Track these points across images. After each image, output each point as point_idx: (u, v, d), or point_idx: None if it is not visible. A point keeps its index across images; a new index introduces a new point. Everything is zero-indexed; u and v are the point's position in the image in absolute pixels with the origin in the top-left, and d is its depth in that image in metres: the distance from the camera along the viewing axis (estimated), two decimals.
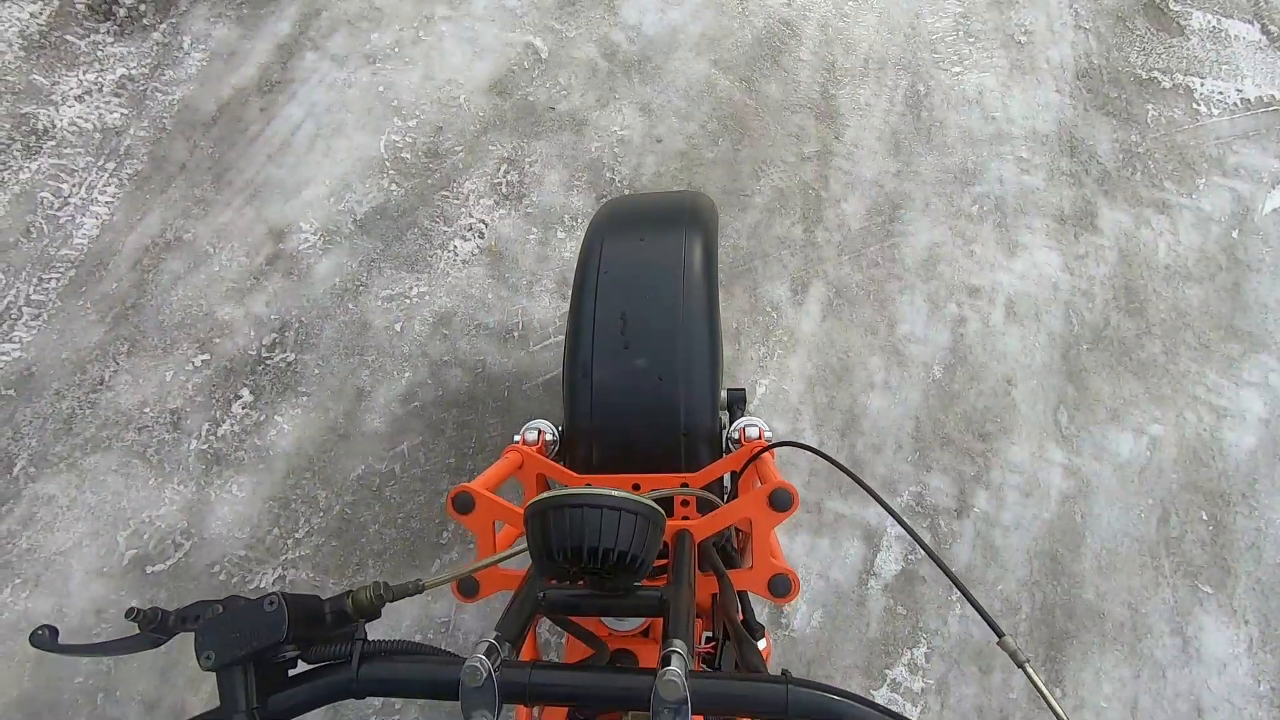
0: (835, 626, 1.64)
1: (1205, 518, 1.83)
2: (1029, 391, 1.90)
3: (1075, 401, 1.91)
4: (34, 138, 1.76)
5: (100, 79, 1.85)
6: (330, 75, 1.96)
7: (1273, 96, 2.39)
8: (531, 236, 1.85)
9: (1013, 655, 0.51)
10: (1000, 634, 0.52)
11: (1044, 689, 0.47)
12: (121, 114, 1.82)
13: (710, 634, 0.86)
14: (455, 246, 1.81)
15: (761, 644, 0.90)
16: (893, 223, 2.07)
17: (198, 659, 0.48)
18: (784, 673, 0.48)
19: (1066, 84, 2.33)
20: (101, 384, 1.56)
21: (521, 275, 1.80)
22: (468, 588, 0.72)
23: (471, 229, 1.83)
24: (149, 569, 1.46)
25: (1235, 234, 2.16)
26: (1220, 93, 2.37)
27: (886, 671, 1.61)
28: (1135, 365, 1.97)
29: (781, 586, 0.69)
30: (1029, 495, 1.80)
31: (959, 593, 1.58)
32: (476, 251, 1.81)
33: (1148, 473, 1.86)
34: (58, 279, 1.63)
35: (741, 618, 0.88)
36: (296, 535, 1.52)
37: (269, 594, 0.49)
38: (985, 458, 1.82)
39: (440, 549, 1.55)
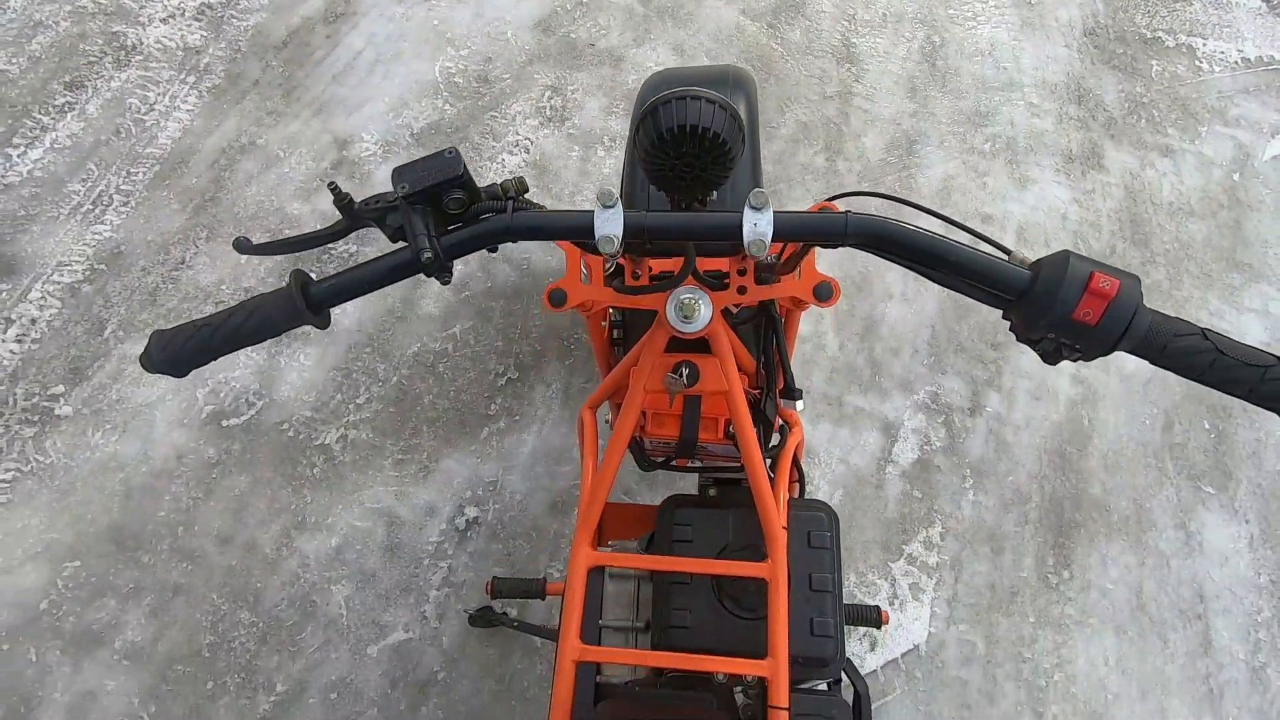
0: (855, 505, 1.74)
1: (1208, 427, 1.93)
2: None
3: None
4: (123, 53, 1.92)
5: (182, 5, 2.02)
6: (389, 10, 2.13)
7: (1272, 57, 2.52)
8: (574, 154, 2.00)
9: (1020, 263, 0.63)
10: (1008, 250, 0.64)
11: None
12: (201, 36, 1.99)
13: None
14: (503, 159, 1.95)
15: (800, 404, 1.03)
16: (909, 156, 2.21)
17: (394, 188, 0.61)
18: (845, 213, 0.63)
19: (1074, 40, 2.47)
20: (182, 264, 1.71)
21: (564, 186, 1.95)
22: (556, 298, 0.84)
23: (518, 145, 1.98)
24: (224, 423, 1.59)
25: (1236, 177, 2.28)
26: (1222, 52, 2.50)
27: (904, 547, 1.71)
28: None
29: (824, 291, 0.81)
30: (1038, 399, 1.90)
31: (972, 483, 1.66)
32: (522, 165, 1.95)
33: (1152, 385, 1.96)
34: (144, 173, 1.78)
35: (782, 383, 1.01)
36: (357, 401, 1.65)
37: (447, 146, 0.63)
38: (997, 364, 1.93)
39: (489, 419, 1.67)
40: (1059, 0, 2.55)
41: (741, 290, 0.80)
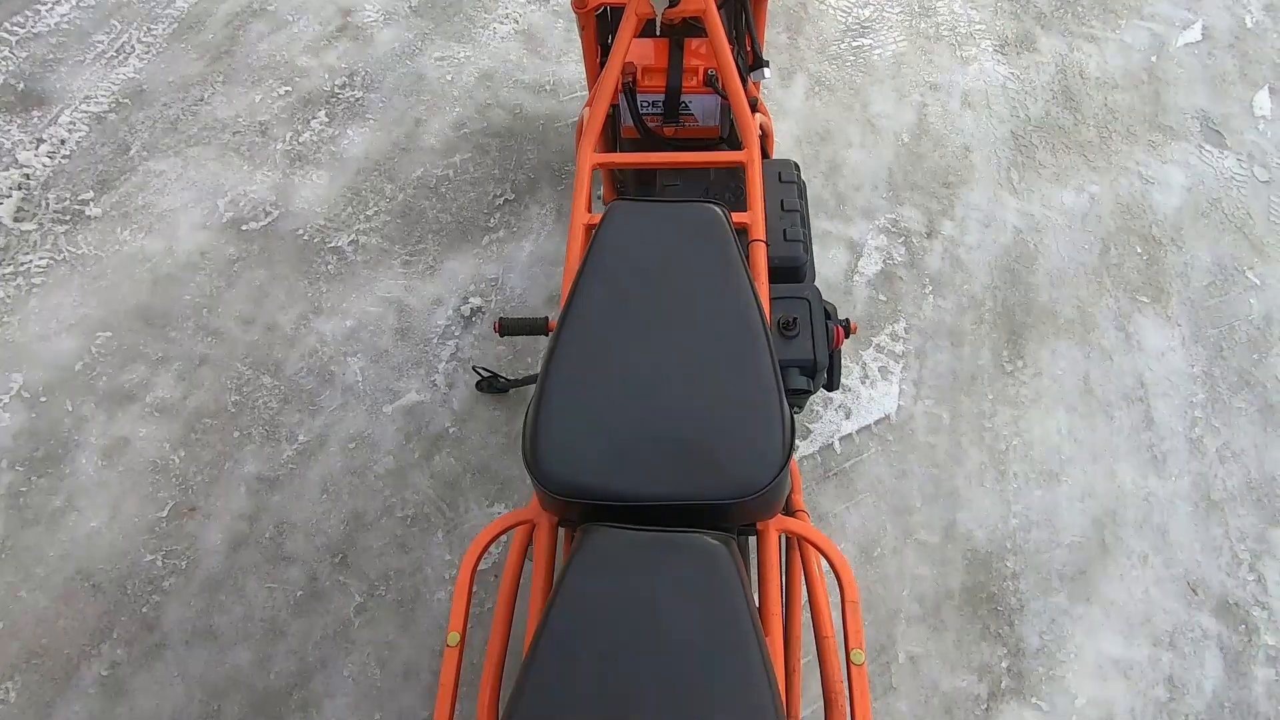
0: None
1: (1140, 251, 2.14)
2: (984, 157, 2.23)
3: (1024, 165, 2.23)
4: None
5: None
6: None
7: None
8: (558, 25, 2.19)
9: None
10: None
11: None
12: None
13: None
14: (494, 28, 2.14)
15: (767, 73, 1.20)
16: (862, 38, 2.44)
17: None
18: None
19: None
20: (201, 100, 1.85)
21: (550, 50, 2.13)
22: None
23: (508, 17, 2.17)
24: (243, 227, 1.72)
25: (1154, 59, 2.54)
26: None
27: (872, 338, 1.87)
28: (1073, 144, 2.31)
29: None
30: (988, 227, 2.10)
31: (931, 291, 1.85)
32: (512, 33, 2.14)
33: (1089, 218, 2.17)
34: (163, 29, 1.94)
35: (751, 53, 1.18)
36: (367, 213, 1.79)
37: None
38: (949, 199, 2.13)
39: (489, 230, 1.82)
40: None
41: None
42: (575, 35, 2.20)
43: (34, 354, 1.52)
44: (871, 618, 1.55)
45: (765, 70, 1.17)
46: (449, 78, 2.03)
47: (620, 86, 1.07)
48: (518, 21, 2.18)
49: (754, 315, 0.80)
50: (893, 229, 2.06)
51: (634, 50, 1.08)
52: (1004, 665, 1.54)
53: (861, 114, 2.26)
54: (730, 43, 1.15)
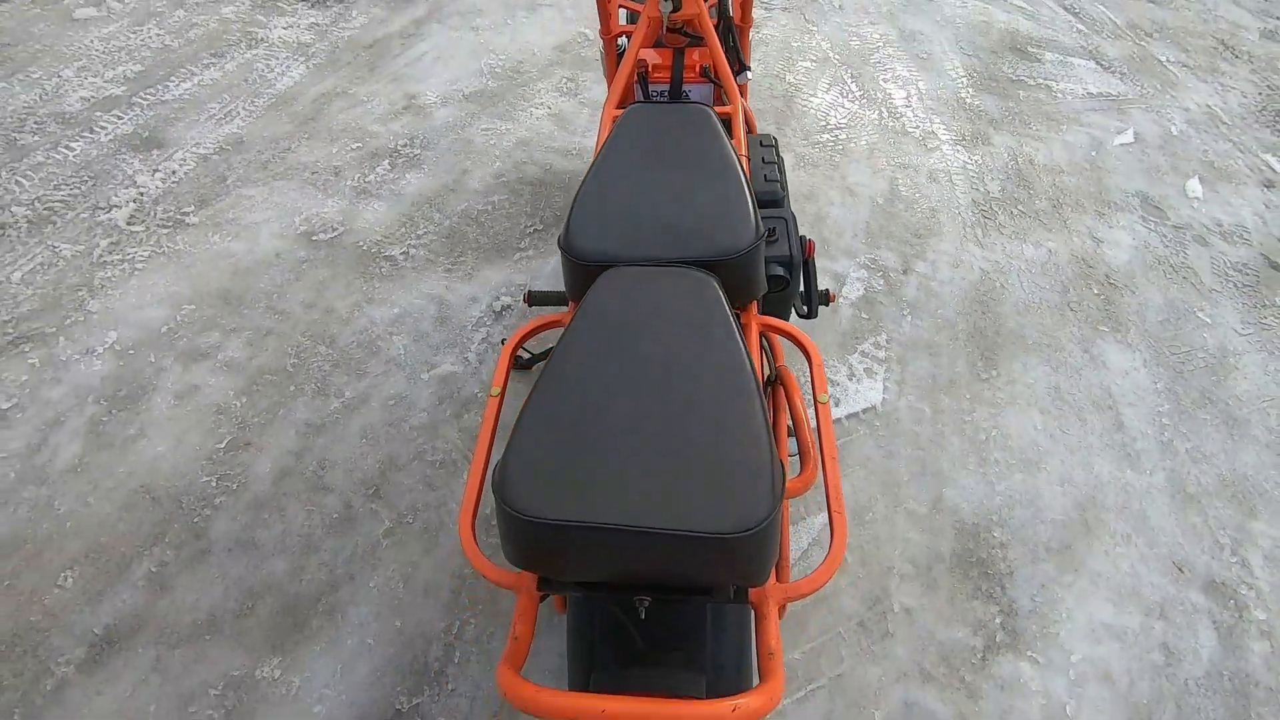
0: (813, 325, 2.14)
1: (1097, 293, 2.41)
2: (950, 217, 2.57)
3: (986, 225, 2.57)
4: (253, 40, 2.61)
5: (297, 22, 2.76)
6: (448, 33, 2.89)
7: (1106, 93, 3.35)
8: (584, 112, 2.64)
9: None
10: None
11: None
12: (310, 37, 2.71)
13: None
14: (531, 111, 2.59)
15: (749, 75, 1.53)
16: (840, 132, 2.88)
17: None
18: None
19: (960, 78, 3.30)
20: (288, 149, 2.24)
21: (577, 127, 2.56)
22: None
23: (543, 104, 2.63)
24: (313, 238, 2.02)
25: (1094, 154, 2.97)
26: (1071, 89, 3.33)
27: (857, 346, 2.09)
28: (1029, 212, 2.66)
29: None
30: (957, 267, 2.39)
31: (909, 314, 2.13)
32: (546, 115, 2.58)
33: (1048, 266, 2.46)
34: (263, 102, 2.38)
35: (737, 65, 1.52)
36: (417, 233, 2.10)
37: None
38: (921, 246, 2.44)
39: (519, 249, 2.11)
40: (944, 56, 3.42)
41: None
42: (595, 120, 2.64)
43: (128, 318, 1.76)
44: (865, 572, 1.63)
45: (747, 73, 1.51)
46: (492, 143, 2.44)
47: (635, 77, 1.39)
48: (550, 108, 2.64)
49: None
50: (872, 265, 2.34)
51: (645, 57, 1.42)
52: (998, 622, 1.59)
53: (841, 182, 2.64)
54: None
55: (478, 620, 1.42)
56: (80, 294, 1.79)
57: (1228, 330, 2.36)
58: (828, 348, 2.09)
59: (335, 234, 2.06)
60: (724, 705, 0.68)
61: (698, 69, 1.45)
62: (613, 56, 1.68)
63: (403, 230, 2.11)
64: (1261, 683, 1.59)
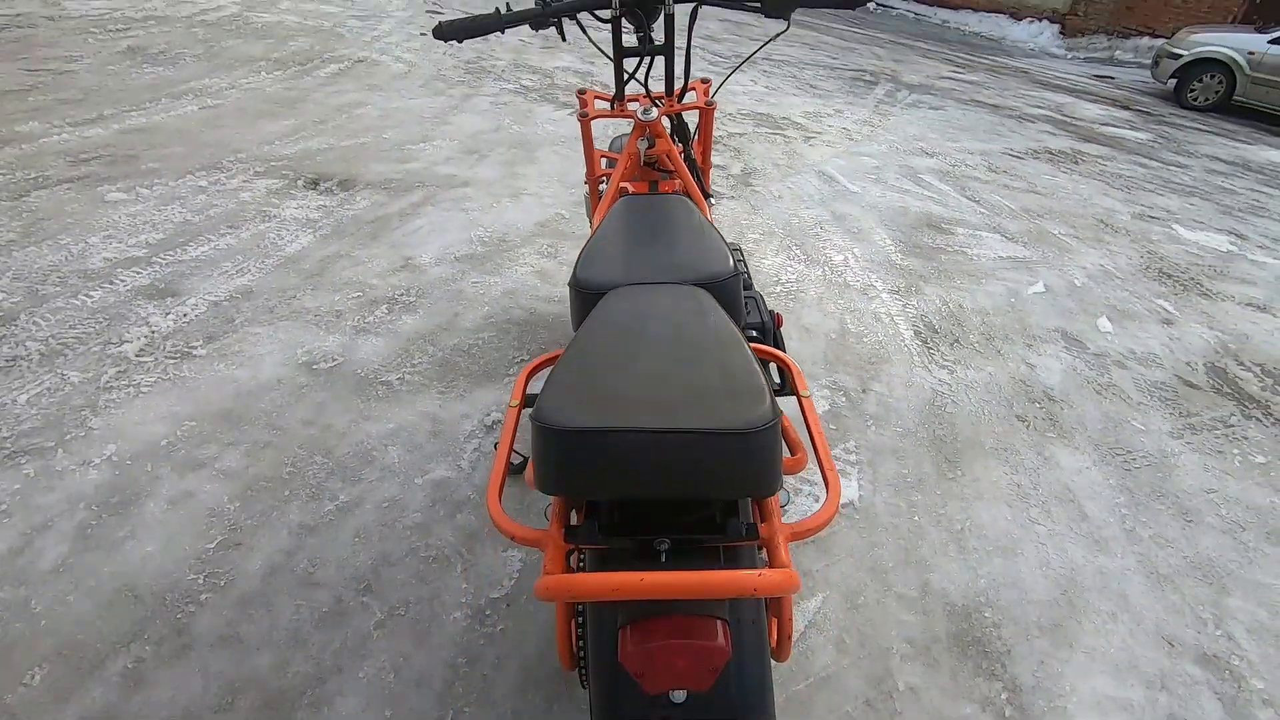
0: None
1: (1039, 407, 2.64)
2: (897, 349, 2.85)
3: (929, 354, 2.85)
4: (266, 217, 2.93)
5: (306, 204, 3.12)
6: (441, 213, 3.27)
7: (1014, 256, 3.88)
8: (564, 270, 2.95)
9: None
10: None
11: None
12: (318, 215, 3.04)
13: None
14: (517, 269, 2.88)
15: (711, 202, 1.81)
16: (791, 285, 3.25)
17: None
18: None
19: (889, 246, 3.80)
20: (294, 298, 2.44)
21: (559, 280, 2.84)
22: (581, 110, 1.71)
23: (528, 264, 2.94)
24: (314, 367, 2.14)
25: (1013, 300, 3.38)
26: (983, 253, 3.86)
27: (831, 451, 2.21)
28: (966, 344, 2.97)
29: (708, 104, 1.72)
30: (910, 387, 2.61)
31: (872, 425, 2.37)
32: (530, 272, 2.88)
33: (991, 385, 2.72)
34: (273, 261, 2.63)
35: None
36: (413, 363, 2.24)
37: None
38: (875, 371, 2.68)
39: (509, 375, 2.25)
40: (873, 230, 3.96)
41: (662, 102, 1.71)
42: None
43: (129, 433, 1.80)
44: (865, 652, 1.62)
45: (710, 200, 1.80)
46: (481, 292, 2.70)
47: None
48: (534, 266, 2.95)
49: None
50: (834, 386, 2.55)
51: (626, 186, 1.70)
52: (1004, 698, 1.58)
53: (796, 322, 2.93)
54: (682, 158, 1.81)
55: (472, 709, 1.35)
56: (83, 413, 1.84)
57: (1161, 435, 2.57)
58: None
59: (335, 364, 2.19)
60: (751, 573, 0.73)
61: (672, 189, 1.74)
62: (595, 197, 1.98)
63: (399, 360, 2.26)
64: None
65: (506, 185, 3.65)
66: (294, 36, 5.42)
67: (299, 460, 1.83)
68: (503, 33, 1.54)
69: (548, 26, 1.55)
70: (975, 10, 11.86)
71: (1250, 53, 8.00)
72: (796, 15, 10.65)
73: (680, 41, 1.72)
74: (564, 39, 1.60)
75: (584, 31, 1.64)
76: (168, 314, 2.26)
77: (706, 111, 1.85)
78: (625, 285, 1.08)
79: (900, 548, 1.92)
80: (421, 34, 6.08)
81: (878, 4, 12.31)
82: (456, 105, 4.62)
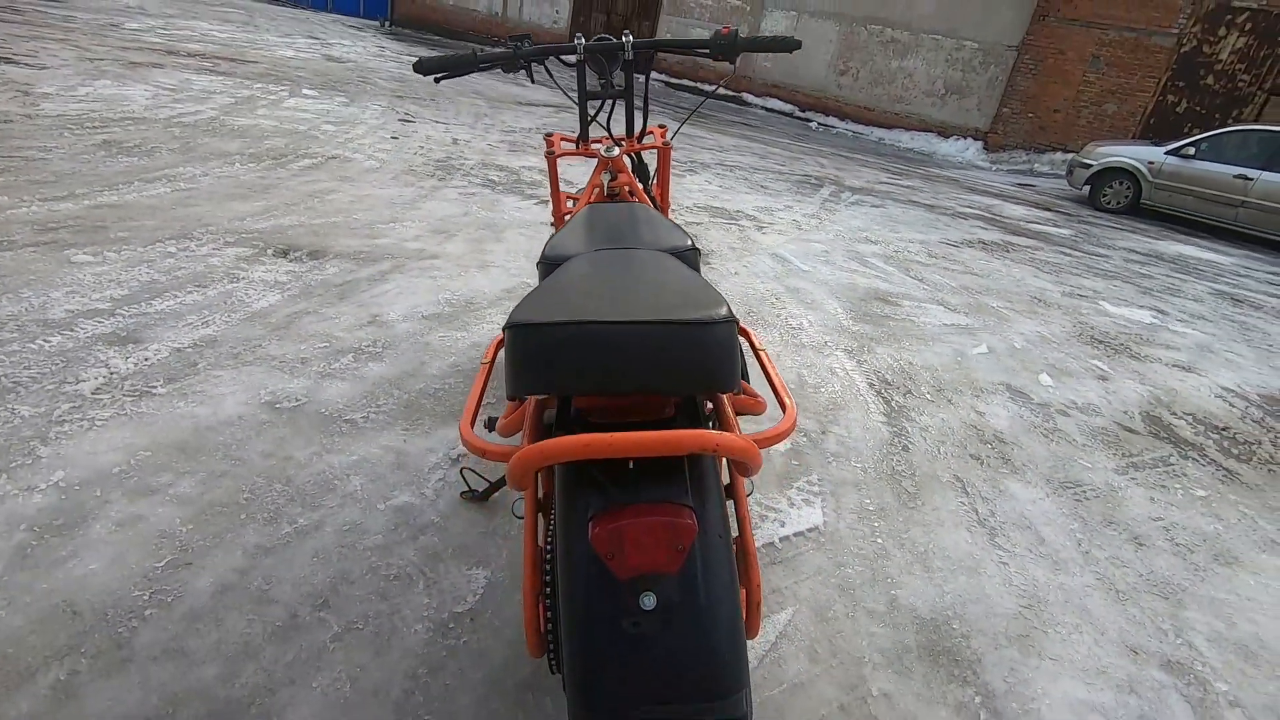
0: None
1: (991, 448, 2.74)
2: (853, 397, 2.96)
3: (885, 402, 2.96)
4: (234, 278, 2.97)
5: (275, 268, 3.18)
6: (409, 279, 3.35)
7: (958, 324, 4.12)
8: None
9: (718, 34, 1.77)
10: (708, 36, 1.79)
11: None
12: (287, 279, 3.09)
13: None
14: (482, 326, 2.94)
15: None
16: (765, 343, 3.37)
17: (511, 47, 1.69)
18: None
19: (840, 314, 4.00)
20: (259, 345, 2.44)
21: None
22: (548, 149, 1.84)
23: (493, 321, 3.00)
24: (276, 405, 2.12)
25: (959, 359, 3.57)
26: (929, 321, 4.09)
27: (793, 483, 2.25)
28: (918, 395, 3.10)
29: (668, 141, 1.88)
30: (867, 430, 2.70)
31: (833, 461, 2.52)
32: (495, 328, 2.94)
33: (944, 429, 2.82)
34: (240, 315, 2.64)
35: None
36: (378, 403, 2.24)
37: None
38: (833, 415, 2.77)
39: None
40: (825, 301, 4.17)
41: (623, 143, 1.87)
42: None
43: (79, 462, 1.74)
44: (837, 661, 1.60)
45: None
46: (448, 344, 2.74)
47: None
48: (499, 323, 3.02)
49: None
50: (800, 434, 2.61)
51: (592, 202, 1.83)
52: (978, 701, 1.57)
53: (754, 376, 3.02)
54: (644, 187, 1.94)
55: (432, 718, 1.28)
56: (32, 443, 1.78)
57: (1107, 472, 2.67)
58: (766, 485, 2.24)
59: (298, 404, 2.18)
60: (713, 431, 0.76)
61: None
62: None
63: (364, 401, 2.26)
64: None
65: (474, 258, 3.78)
66: (269, 137, 5.66)
67: (257, 488, 1.78)
68: (479, 71, 1.68)
69: (518, 69, 1.71)
70: (907, 129, 13.02)
71: (1150, 162, 8.90)
72: (743, 124, 11.52)
73: (639, 88, 1.89)
74: (533, 80, 1.76)
75: (550, 75, 1.80)
76: (128, 358, 2.24)
77: (664, 151, 2.02)
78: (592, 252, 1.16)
79: (867, 567, 1.92)
80: (394, 138, 6.41)
81: (819, 124, 13.42)
82: (426, 194, 4.83)
